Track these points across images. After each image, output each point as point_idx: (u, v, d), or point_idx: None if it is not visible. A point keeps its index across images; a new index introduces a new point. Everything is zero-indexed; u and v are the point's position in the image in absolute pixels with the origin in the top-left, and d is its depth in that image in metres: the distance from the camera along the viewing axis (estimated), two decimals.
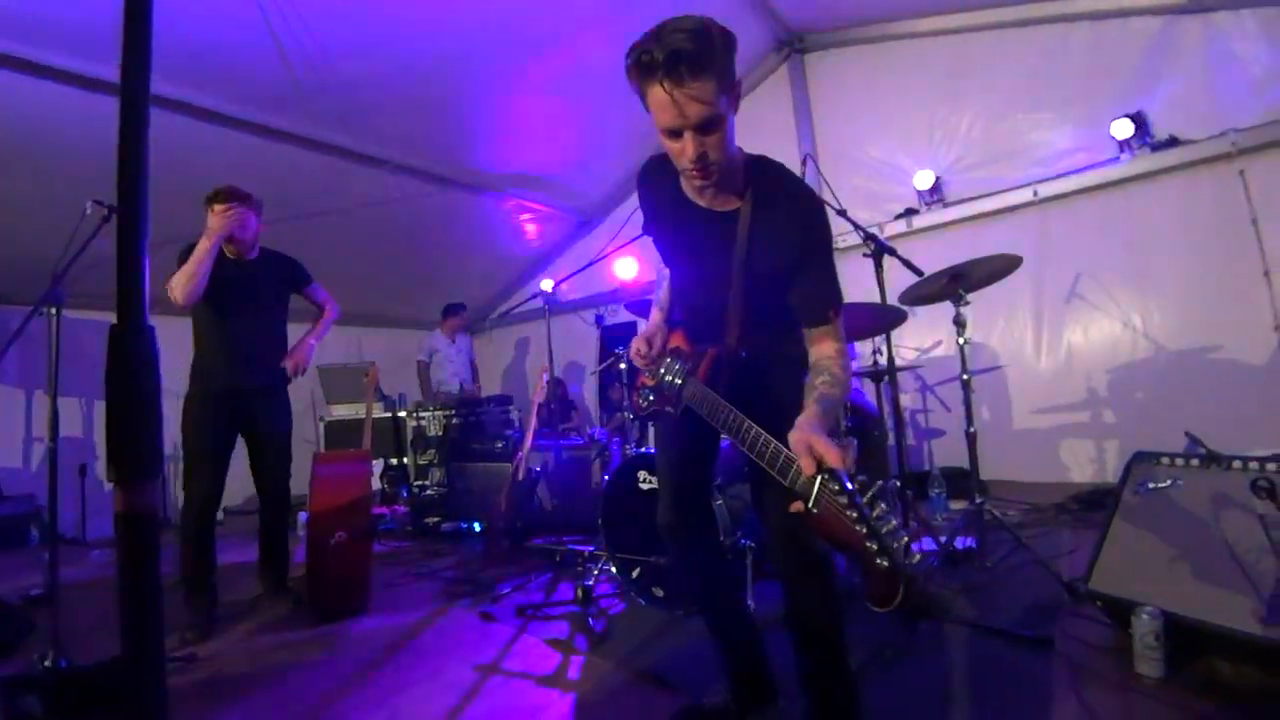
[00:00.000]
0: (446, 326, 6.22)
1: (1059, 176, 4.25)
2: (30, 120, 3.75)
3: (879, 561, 0.94)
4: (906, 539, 0.94)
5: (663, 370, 1.59)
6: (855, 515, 0.97)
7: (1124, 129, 3.92)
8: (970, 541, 2.85)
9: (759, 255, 1.38)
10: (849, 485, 1.00)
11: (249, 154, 4.44)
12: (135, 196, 0.42)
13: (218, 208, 2.72)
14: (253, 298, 2.92)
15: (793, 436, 1.12)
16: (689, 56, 1.15)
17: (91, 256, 2.11)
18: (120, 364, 0.43)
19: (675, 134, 1.25)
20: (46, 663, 2.00)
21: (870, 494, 0.98)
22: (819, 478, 1.04)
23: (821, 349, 1.35)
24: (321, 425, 5.59)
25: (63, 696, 1.93)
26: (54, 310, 2.06)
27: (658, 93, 1.20)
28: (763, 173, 1.40)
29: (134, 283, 0.43)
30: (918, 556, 0.95)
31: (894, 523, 0.95)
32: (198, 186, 2.81)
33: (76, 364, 4.91)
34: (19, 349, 5.01)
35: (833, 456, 1.04)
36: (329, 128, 4.63)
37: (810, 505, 1.05)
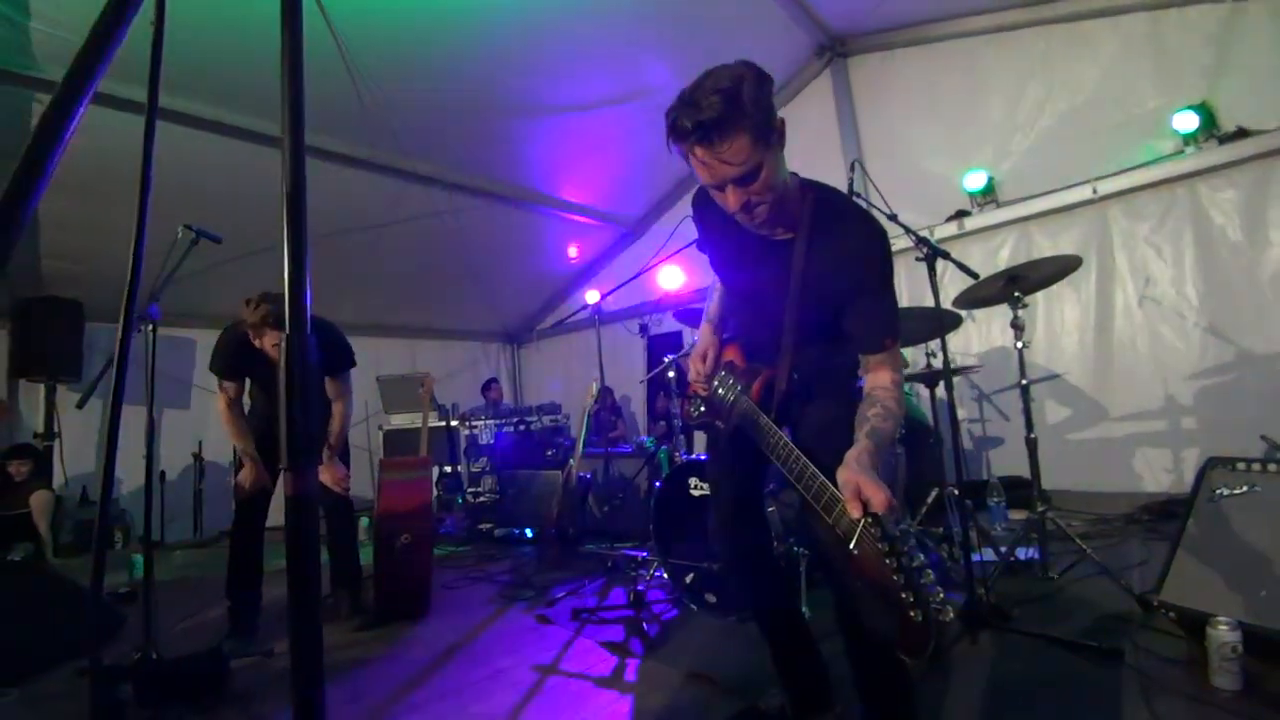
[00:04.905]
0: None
1: (1119, 173, 4.10)
2: (131, 155, 4.08)
3: (913, 614, 0.95)
4: (942, 594, 0.95)
5: (717, 384, 1.61)
6: (894, 564, 0.98)
7: (1187, 121, 3.76)
8: (1032, 552, 2.78)
9: (815, 284, 1.39)
10: (892, 532, 1.01)
11: (310, 174, 4.68)
12: (298, 227, 0.50)
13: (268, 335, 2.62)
14: None
15: (841, 475, 1.13)
16: (718, 123, 1.18)
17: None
18: (293, 368, 0.51)
19: (718, 187, 1.29)
20: (138, 655, 2.14)
21: (911, 543, 1.00)
22: (863, 521, 1.06)
23: (877, 378, 1.35)
24: (381, 434, 5.81)
25: (151, 686, 2.07)
26: (151, 327, 2.23)
27: (693, 157, 1.25)
28: (819, 201, 1.41)
29: (300, 302, 0.51)
30: (951, 613, 0.96)
31: (931, 575, 0.96)
32: (272, 206, 2.99)
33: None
34: (97, 363, 5.38)
35: (879, 501, 1.05)
36: (388, 149, 4.84)
37: (852, 547, 1.06)
